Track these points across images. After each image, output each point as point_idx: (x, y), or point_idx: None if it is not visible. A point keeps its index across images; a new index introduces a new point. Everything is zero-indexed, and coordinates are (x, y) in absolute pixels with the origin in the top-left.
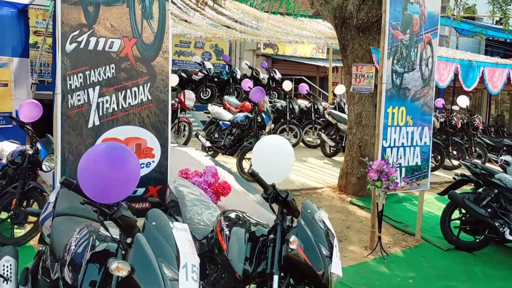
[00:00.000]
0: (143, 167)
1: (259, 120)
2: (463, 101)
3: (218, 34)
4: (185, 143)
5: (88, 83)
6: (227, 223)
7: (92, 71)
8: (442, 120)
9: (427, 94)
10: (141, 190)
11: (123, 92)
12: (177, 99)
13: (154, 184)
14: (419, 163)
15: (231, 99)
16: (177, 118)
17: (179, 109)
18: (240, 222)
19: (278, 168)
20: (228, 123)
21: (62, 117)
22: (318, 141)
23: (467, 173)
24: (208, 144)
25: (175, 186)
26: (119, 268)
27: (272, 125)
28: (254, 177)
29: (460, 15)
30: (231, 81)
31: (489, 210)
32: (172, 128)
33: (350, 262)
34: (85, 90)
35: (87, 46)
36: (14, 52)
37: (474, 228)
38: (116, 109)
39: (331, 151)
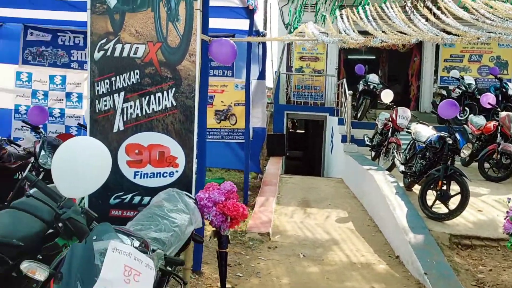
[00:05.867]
0: (166, 176)
1: (451, 143)
2: None
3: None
4: (389, 169)
5: (114, 88)
6: None
7: (117, 77)
8: None
9: None
10: None
11: (147, 97)
12: (389, 118)
13: None
14: None
15: (476, 119)
16: (387, 139)
17: (391, 129)
18: None
19: (83, 177)
20: (423, 145)
21: (90, 121)
22: None
23: None
24: (402, 168)
25: (161, 198)
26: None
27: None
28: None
29: None
30: (499, 98)
31: None
32: (381, 150)
33: None
34: (111, 96)
35: (113, 53)
36: (252, 75)
37: None
38: (139, 114)
39: None
